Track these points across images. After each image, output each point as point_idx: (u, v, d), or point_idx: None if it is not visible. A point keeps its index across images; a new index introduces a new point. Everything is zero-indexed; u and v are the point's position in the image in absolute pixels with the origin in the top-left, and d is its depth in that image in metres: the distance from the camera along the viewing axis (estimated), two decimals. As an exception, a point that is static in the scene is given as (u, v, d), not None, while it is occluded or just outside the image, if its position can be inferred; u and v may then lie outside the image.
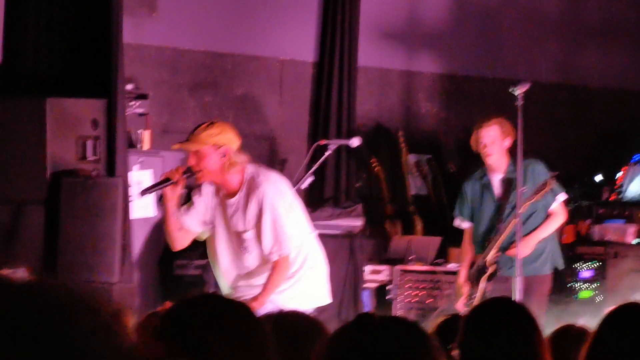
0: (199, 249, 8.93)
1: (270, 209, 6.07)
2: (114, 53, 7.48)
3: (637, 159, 9.65)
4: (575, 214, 9.48)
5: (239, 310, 2.59)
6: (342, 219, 9.26)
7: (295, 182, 7.60)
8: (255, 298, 6.06)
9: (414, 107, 10.53)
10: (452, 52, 10.59)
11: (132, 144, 8.61)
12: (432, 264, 9.12)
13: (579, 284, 9.02)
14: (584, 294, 8.95)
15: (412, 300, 8.84)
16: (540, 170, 7.60)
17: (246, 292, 6.19)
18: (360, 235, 9.21)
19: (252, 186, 6.13)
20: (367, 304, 8.74)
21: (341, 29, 9.81)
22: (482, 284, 7.52)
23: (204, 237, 6.38)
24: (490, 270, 7.50)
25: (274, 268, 6.12)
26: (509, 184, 7.53)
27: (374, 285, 9.02)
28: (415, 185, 10.19)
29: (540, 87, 9.87)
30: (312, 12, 10.03)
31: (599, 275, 8.95)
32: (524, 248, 7.38)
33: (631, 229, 9.16)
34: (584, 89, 10.89)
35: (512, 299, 3.47)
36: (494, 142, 7.57)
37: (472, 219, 7.73)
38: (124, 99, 7.85)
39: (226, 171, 6.11)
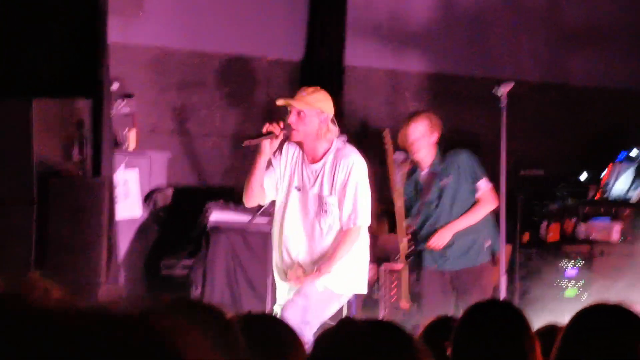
0: (187, 248, 8.96)
1: (356, 179, 6.38)
2: (100, 53, 7.48)
3: (622, 157, 9.68)
4: (561, 212, 9.52)
5: (210, 314, 2.57)
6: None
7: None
8: (320, 266, 6.31)
9: (401, 107, 10.54)
10: (438, 51, 10.61)
11: (117, 144, 8.61)
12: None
13: (564, 282, 9.05)
14: (570, 292, 8.98)
15: (397, 300, 8.84)
16: (463, 159, 7.70)
17: (306, 260, 6.44)
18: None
19: (340, 155, 6.42)
20: (353, 303, 8.75)
21: (328, 28, 9.82)
22: (406, 275, 7.79)
23: (267, 200, 6.61)
24: (407, 261, 7.74)
25: (344, 236, 6.39)
26: (433, 177, 7.66)
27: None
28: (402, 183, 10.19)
29: (527, 86, 9.91)
30: (299, 11, 10.03)
31: (585, 274, 8.98)
32: (439, 240, 7.53)
33: (616, 227, 9.19)
34: (571, 88, 10.92)
35: (508, 302, 3.49)
36: (423, 136, 7.68)
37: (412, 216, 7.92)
38: (110, 99, 7.84)
39: (320, 137, 6.39)
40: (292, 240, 6.48)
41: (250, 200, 6.54)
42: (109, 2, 7.72)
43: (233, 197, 8.84)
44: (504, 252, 7.30)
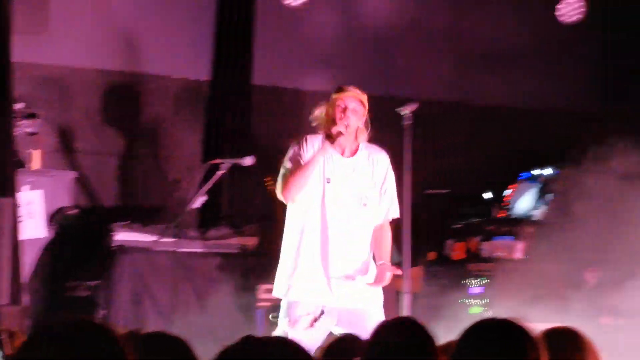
0: (92, 268, 8.85)
1: (391, 173, 6.53)
2: (3, 72, 7.38)
3: (525, 176, 9.83)
4: (466, 231, 9.64)
5: (100, 334, 2.53)
6: (236, 238, 9.24)
7: (187, 202, 7.59)
8: (384, 266, 6.31)
9: (309, 127, 10.57)
10: (344, 71, 10.66)
11: (21, 164, 8.50)
12: (326, 281, 9.14)
13: (469, 300, 9.16)
14: (474, 309, 9.08)
15: (306, 319, 8.84)
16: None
17: (338, 265, 6.29)
18: (254, 254, 9.20)
19: (373, 150, 6.51)
20: (261, 323, 8.72)
21: (235, 48, 9.82)
22: None
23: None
24: None
25: (386, 229, 6.47)
26: None
27: (267, 304, 9.00)
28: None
29: (431, 105, 10.01)
30: (206, 31, 10.02)
31: (489, 292, 9.09)
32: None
33: (519, 245, 9.32)
34: (475, 107, 11.06)
35: (413, 319, 3.52)
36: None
37: None
38: (12, 119, 7.74)
39: (358, 135, 6.43)
40: (333, 235, 6.33)
41: (295, 196, 6.35)
42: (13, 21, 7.63)
43: (138, 217, 8.78)
44: (408, 270, 7.38)
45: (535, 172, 9.79)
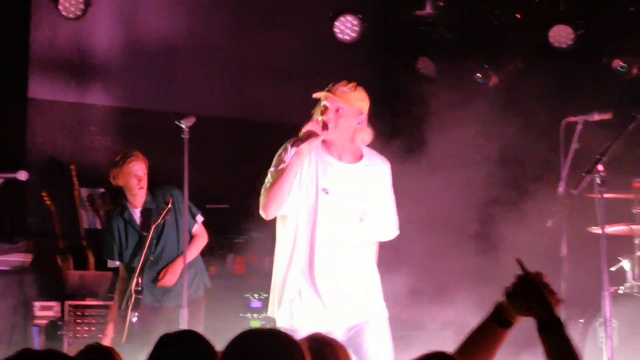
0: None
1: (391, 187, 5.94)
2: None
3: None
4: (246, 245, 9.71)
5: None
6: (10, 254, 9.02)
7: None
8: None
9: (87, 141, 10.44)
10: (124, 86, 10.59)
11: None
12: (104, 298, 9.04)
13: (249, 314, 9.23)
14: (254, 323, 9.16)
15: (84, 336, 8.73)
16: (177, 195, 7.75)
17: (335, 279, 5.73)
18: (30, 271, 9.01)
19: (377, 158, 5.90)
20: (37, 340, 8.55)
21: (9, 60, 9.59)
22: (129, 314, 7.57)
23: (284, 209, 5.78)
24: (132, 300, 7.57)
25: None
26: (149, 214, 7.64)
27: (44, 321, 8.82)
28: (88, 220, 10.08)
29: (210, 120, 10.05)
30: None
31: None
32: (172, 277, 7.56)
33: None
34: (254, 123, 11.16)
35: (198, 334, 3.52)
36: (145, 174, 7.69)
37: (119, 256, 7.76)
38: None
39: (354, 139, 5.78)
40: (325, 252, 5.73)
41: (275, 211, 5.74)
42: None
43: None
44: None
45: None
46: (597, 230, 6.99)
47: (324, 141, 5.76)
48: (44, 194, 9.68)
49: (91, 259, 9.67)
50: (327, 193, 5.71)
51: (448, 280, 8.56)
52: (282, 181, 5.66)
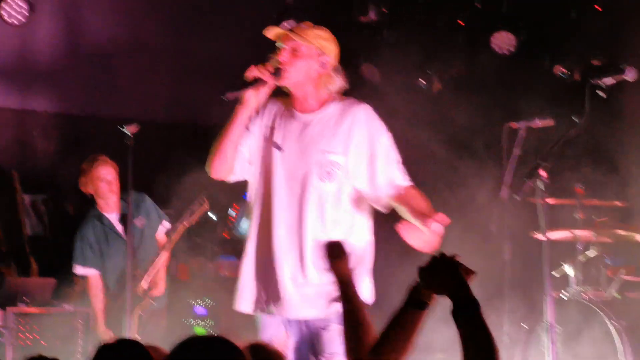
0: None
1: (380, 133, 4.89)
2: None
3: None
4: (190, 251, 9.68)
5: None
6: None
7: None
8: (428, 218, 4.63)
9: (29, 146, 10.35)
10: (67, 91, 10.52)
11: None
12: (47, 305, 8.96)
13: (194, 321, 9.20)
14: (199, 329, 9.14)
15: (27, 344, 8.64)
16: (147, 200, 7.73)
17: (287, 264, 4.78)
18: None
19: (349, 105, 4.90)
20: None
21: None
22: (137, 311, 7.50)
23: (233, 175, 4.96)
24: (145, 301, 7.53)
25: (415, 194, 4.85)
26: (123, 220, 7.58)
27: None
28: (31, 226, 10.00)
29: (157, 125, 10.02)
30: None
31: (213, 312, 9.17)
32: (162, 283, 7.61)
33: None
34: (200, 126, 11.13)
35: (136, 341, 3.53)
36: (116, 178, 7.63)
37: (97, 264, 7.68)
38: None
39: (318, 85, 4.89)
40: (279, 223, 4.80)
41: (217, 169, 4.89)
42: None
43: None
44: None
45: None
46: (539, 235, 7.05)
47: (292, 90, 4.92)
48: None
49: (34, 266, 9.59)
50: (280, 149, 4.85)
51: (388, 286, 8.60)
52: (224, 133, 4.85)
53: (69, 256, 7.90)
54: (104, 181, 7.61)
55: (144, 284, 7.50)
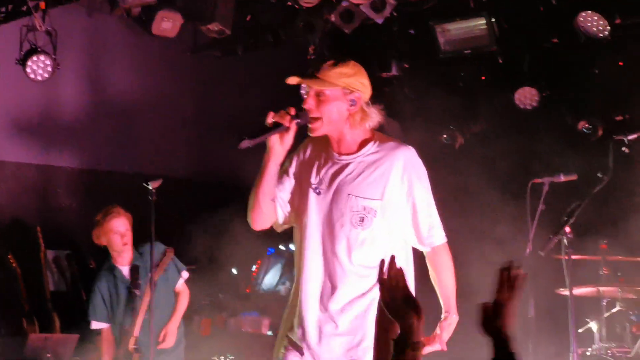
0: None
1: (420, 177, 4.63)
2: None
3: (271, 251, 9.96)
4: (213, 307, 9.66)
5: None
6: (-24, 319, 8.94)
7: None
8: (448, 309, 4.53)
9: (53, 202, 10.38)
10: (91, 148, 10.57)
11: None
12: (70, 361, 8.96)
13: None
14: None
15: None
16: (157, 249, 7.73)
17: (331, 303, 4.54)
18: (-4, 338, 8.93)
19: (390, 147, 4.59)
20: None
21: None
22: None
23: (281, 224, 4.73)
24: (134, 358, 7.48)
25: (439, 256, 4.65)
26: (137, 271, 7.57)
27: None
28: (54, 282, 10.00)
29: (178, 181, 10.05)
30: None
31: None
32: (172, 337, 7.53)
33: (266, 321, 9.41)
34: (219, 184, 11.15)
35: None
36: (129, 230, 7.64)
37: (109, 318, 7.67)
38: None
39: (352, 125, 4.57)
40: (313, 268, 4.57)
41: (258, 221, 4.63)
42: None
43: None
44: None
45: (281, 247, 9.93)
46: (564, 291, 7.01)
47: (323, 138, 4.64)
48: (9, 256, 9.60)
49: (57, 322, 9.58)
50: (318, 193, 4.60)
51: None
52: (257, 184, 4.57)
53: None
54: (117, 233, 7.62)
55: (130, 345, 7.48)
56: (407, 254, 4.66)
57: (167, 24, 8.83)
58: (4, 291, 9.69)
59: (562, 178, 7.08)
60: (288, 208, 4.65)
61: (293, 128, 4.50)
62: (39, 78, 9.04)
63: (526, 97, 9.68)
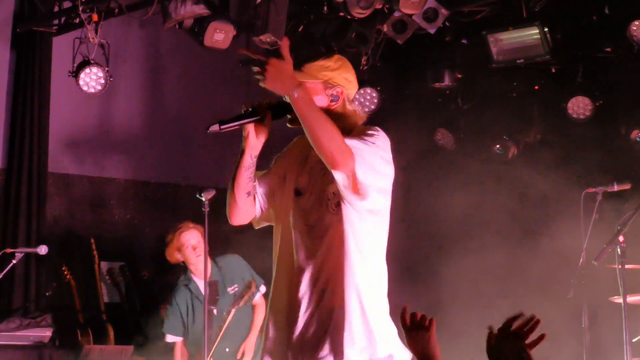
0: None
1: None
2: None
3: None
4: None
5: None
6: (30, 329, 8.99)
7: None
8: None
9: (107, 214, 10.45)
10: (144, 159, 10.63)
11: None
12: (123, 372, 9.00)
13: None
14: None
15: (103, 411, 8.68)
16: (243, 265, 7.74)
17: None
18: (50, 346, 8.97)
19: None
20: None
21: (30, 135, 9.62)
22: None
23: (258, 223, 4.49)
24: None
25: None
26: (215, 287, 7.58)
27: (66, 397, 8.79)
28: (108, 293, 10.06)
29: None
30: (0, 118, 9.81)
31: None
32: (250, 354, 7.55)
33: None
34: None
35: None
36: (200, 242, 7.66)
37: (183, 331, 7.72)
38: None
39: (334, 120, 4.10)
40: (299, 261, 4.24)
41: (235, 216, 4.38)
42: None
43: None
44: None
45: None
46: (618, 299, 6.94)
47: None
48: (64, 268, 9.67)
49: (111, 333, 9.64)
50: (299, 194, 4.34)
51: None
52: (231, 177, 4.35)
53: (146, 323, 7.94)
54: (189, 247, 7.68)
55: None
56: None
57: (220, 35, 8.86)
58: (58, 303, 9.76)
59: (616, 187, 7.04)
60: (266, 205, 4.38)
61: (268, 118, 4.24)
62: (92, 90, 9.12)
63: (579, 106, 9.60)
